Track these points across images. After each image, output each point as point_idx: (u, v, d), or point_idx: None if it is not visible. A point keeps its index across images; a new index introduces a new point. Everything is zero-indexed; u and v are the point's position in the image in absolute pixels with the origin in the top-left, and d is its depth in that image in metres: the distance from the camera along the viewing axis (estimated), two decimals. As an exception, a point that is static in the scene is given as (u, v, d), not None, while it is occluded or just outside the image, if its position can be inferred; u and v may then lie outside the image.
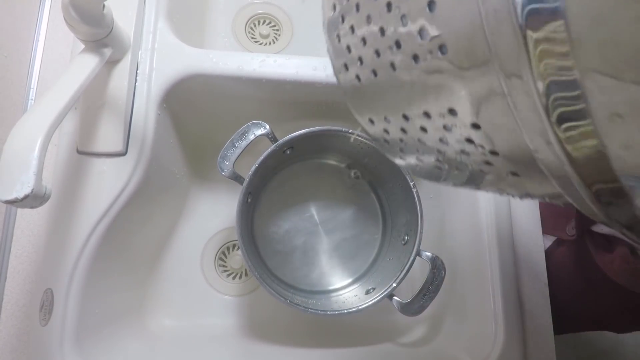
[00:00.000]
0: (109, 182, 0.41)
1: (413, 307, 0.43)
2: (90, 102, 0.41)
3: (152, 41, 0.44)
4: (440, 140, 0.17)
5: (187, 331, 0.52)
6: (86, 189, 0.40)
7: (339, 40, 0.20)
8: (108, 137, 0.41)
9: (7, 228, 0.42)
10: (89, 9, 0.33)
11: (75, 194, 0.40)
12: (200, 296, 0.55)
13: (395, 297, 0.44)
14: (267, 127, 0.45)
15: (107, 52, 0.38)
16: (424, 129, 0.17)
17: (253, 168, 0.44)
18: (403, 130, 0.19)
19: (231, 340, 0.52)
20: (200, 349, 0.49)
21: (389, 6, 0.16)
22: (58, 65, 0.46)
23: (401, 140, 0.20)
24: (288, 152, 0.48)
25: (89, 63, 0.35)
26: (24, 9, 0.45)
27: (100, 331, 0.42)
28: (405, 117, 0.18)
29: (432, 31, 0.14)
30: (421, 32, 0.15)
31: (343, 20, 0.19)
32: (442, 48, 0.14)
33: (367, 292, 0.48)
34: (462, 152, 0.17)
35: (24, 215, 0.43)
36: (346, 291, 0.52)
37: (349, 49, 0.19)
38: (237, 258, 0.57)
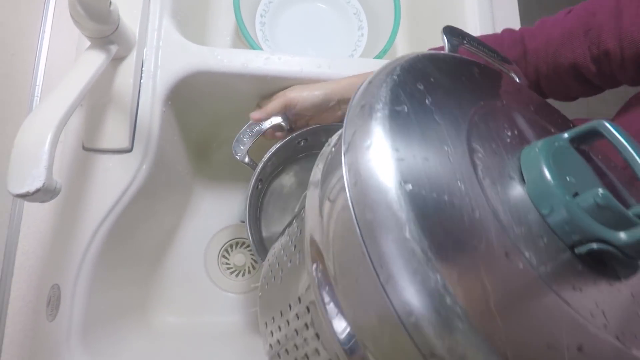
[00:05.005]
0: (115, 179, 0.41)
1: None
2: (96, 99, 0.41)
3: (157, 38, 0.44)
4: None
5: (190, 328, 0.52)
6: (92, 186, 0.41)
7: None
8: (114, 133, 0.41)
9: (13, 224, 0.42)
10: (96, 5, 0.34)
11: (81, 190, 0.40)
12: (204, 293, 0.55)
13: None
14: (284, 115, 0.46)
15: (113, 49, 0.38)
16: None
17: (268, 154, 0.45)
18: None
19: (234, 338, 0.52)
20: (203, 346, 0.49)
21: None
22: (63, 63, 0.46)
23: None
24: (302, 143, 0.49)
25: (96, 59, 0.36)
26: (29, 7, 0.46)
27: (106, 327, 0.42)
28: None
29: None
30: None
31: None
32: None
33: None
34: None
35: (30, 211, 0.43)
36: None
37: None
38: (240, 255, 0.57)
